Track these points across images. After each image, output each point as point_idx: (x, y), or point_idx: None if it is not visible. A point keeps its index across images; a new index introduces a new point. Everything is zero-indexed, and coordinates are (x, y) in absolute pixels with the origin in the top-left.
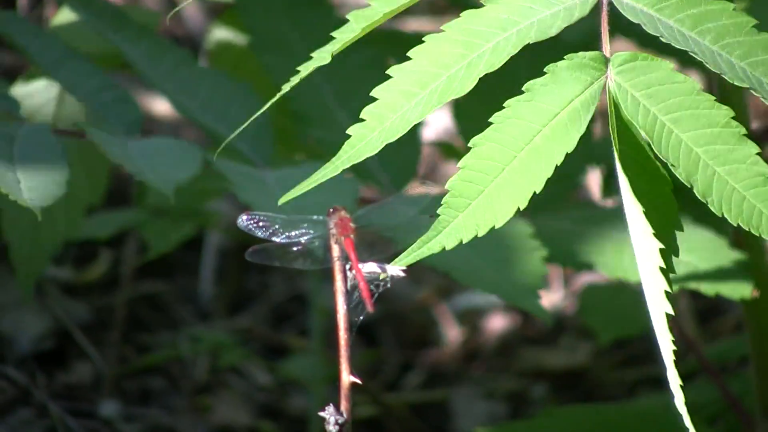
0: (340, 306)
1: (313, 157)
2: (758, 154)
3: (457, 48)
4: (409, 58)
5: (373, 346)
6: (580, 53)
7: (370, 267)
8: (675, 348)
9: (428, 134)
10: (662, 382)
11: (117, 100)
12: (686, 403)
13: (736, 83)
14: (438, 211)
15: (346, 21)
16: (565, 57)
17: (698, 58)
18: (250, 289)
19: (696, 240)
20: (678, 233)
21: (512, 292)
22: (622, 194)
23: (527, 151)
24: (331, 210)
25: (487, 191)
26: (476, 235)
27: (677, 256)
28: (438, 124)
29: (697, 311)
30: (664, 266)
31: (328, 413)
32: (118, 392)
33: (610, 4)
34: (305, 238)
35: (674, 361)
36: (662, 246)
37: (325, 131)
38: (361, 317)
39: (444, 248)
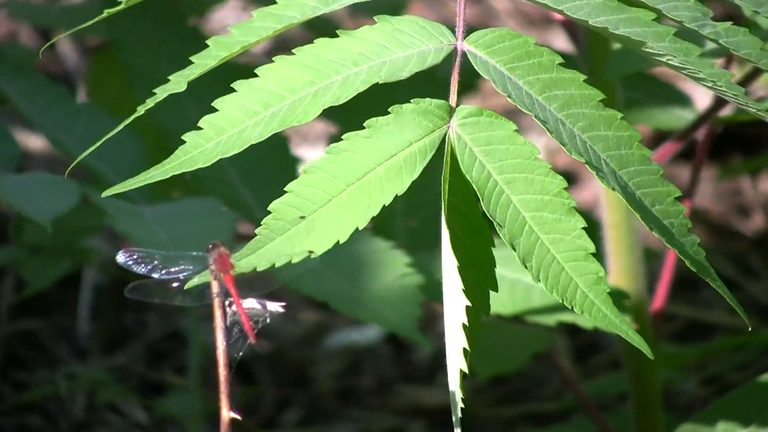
0: (220, 342)
1: (190, 193)
2: (584, 229)
3: (305, 74)
4: None
5: (250, 382)
6: (427, 99)
7: (250, 303)
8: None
9: None
10: (540, 420)
11: None
12: None
13: (573, 155)
14: (255, 231)
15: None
16: (411, 101)
17: (540, 125)
18: (128, 326)
19: None
20: None
21: (391, 320)
22: (442, 246)
23: (357, 187)
24: (211, 246)
25: (309, 219)
26: (290, 261)
27: (488, 314)
28: None
29: (574, 348)
30: (467, 323)
31: None
32: None
33: (464, 56)
34: (184, 274)
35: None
36: (469, 304)
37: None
38: (241, 353)
39: (256, 268)
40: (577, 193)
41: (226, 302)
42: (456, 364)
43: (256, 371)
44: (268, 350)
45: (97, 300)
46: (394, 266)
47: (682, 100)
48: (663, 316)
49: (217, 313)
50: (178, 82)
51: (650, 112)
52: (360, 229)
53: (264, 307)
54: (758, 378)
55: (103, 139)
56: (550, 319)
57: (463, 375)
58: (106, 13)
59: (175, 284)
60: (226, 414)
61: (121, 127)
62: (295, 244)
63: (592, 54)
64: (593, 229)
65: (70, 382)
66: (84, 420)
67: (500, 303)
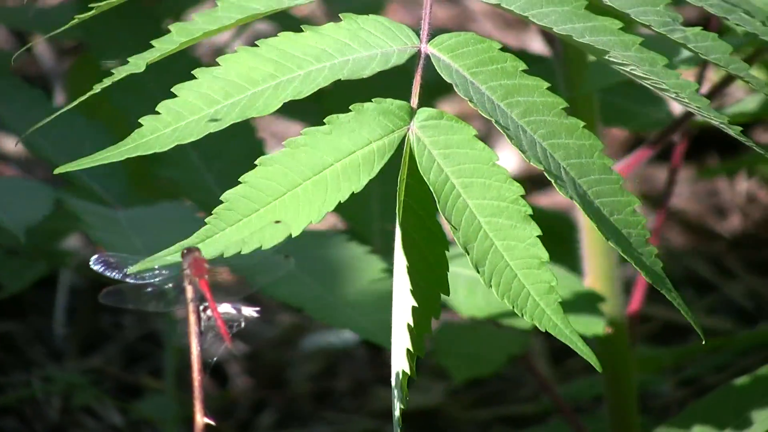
0: (194, 347)
1: (166, 197)
2: (539, 237)
3: (267, 67)
4: None
5: (225, 385)
6: (389, 99)
7: (225, 308)
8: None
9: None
10: (516, 422)
11: None
12: None
13: (532, 163)
14: (206, 220)
15: (196, 60)
16: (373, 100)
17: (501, 130)
18: (103, 328)
19: None
20: None
21: (366, 328)
22: (395, 245)
23: (313, 182)
24: (185, 251)
25: (262, 211)
26: (240, 252)
27: (437, 317)
28: None
29: (550, 350)
30: (412, 325)
31: None
32: None
33: (427, 58)
34: (158, 279)
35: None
36: (416, 305)
37: (179, 171)
38: (215, 358)
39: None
40: (555, 194)
41: (201, 307)
42: (399, 364)
43: (231, 373)
44: (244, 352)
45: (73, 302)
46: (370, 272)
47: (659, 102)
48: (639, 318)
49: (192, 318)
50: (136, 64)
51: (627, 114)
52: (315, 222)
53: (239, 311)
54: (734, 381)
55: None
56: (525, 323)
57: (406, 376)
58: (77, 19)
59: (149, 289)
60: (200, 419)
61: (70, 106)
62: (245, 235)
63: (570, 58)
64: (569, 231)
65: (46, 385)
66: (60, 423)
67: (475, 306)
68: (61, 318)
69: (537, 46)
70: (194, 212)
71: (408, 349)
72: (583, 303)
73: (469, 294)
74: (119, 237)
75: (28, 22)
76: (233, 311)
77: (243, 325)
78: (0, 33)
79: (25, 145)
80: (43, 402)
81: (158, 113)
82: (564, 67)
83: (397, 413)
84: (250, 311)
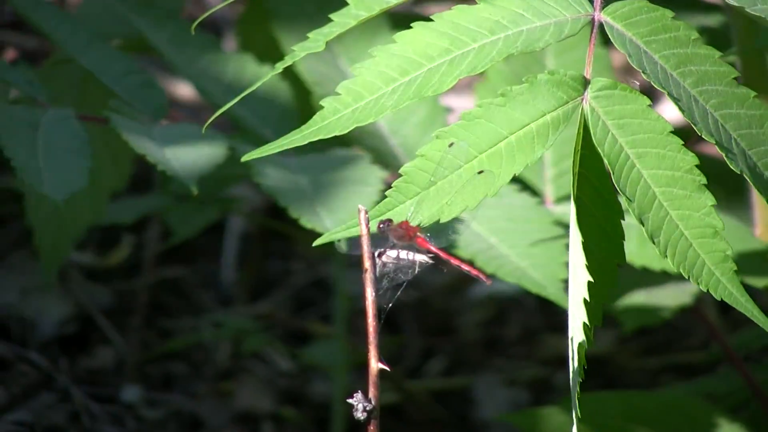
0: (369, 293)
1: (338, 144)
2: (713, 206)
3: (443, 41)
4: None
5: (395, 332)
6: (562, 71)
7: (399, 254)
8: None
9: (453, 121)
10: (685, 370)
11: (142, 86)
12: (709, 392)
13: (704, 136)
14: (386, 193)
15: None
16: (546, 71)
17: (673, 102)
18: (272, 274)
19: None
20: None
21: (534, 281)
22: (570, 219)
23: (488, 155)
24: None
25: (439, 185)
26: (419, 224)
27: (615, 287)
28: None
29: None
30: (588, 299)
31: (356, 400)
32: (141, 377)
33: (601, 27)
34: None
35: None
36: (591, 280)
37: None
38: (390, 305)
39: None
40: None
41: (376, 253)
42: (577, 338)
43: (401, 320)
44: (413, 300)
45: (243, 248)
46: (540, 223)
47: None
48: None
49: (367, 264)
50: (316, 41)
51: None
52: (490, 197)
53: (412, 258)
54: None
55: (248, 91)
56: None
57: (583, 348)
58: None
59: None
60: (375, 365)
61: (266, 78)
62: (425, 208)
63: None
64: (739, 180)
65: (216, 331)
66: (229, 368)
67: (647, 256)
68: (230, 264)
69: None
70: (366, 161)
71: (584, 323)
72: (753, 254)
73: (640, 245)
74: (290, 185)
75: None
76: (406, 257)
77: (416, 271)
78: None
79: (198, 91)
80: (213, 347)
81: (338, 94)
82: (738, 21)
83: (576, 388)
84: (423, 257)
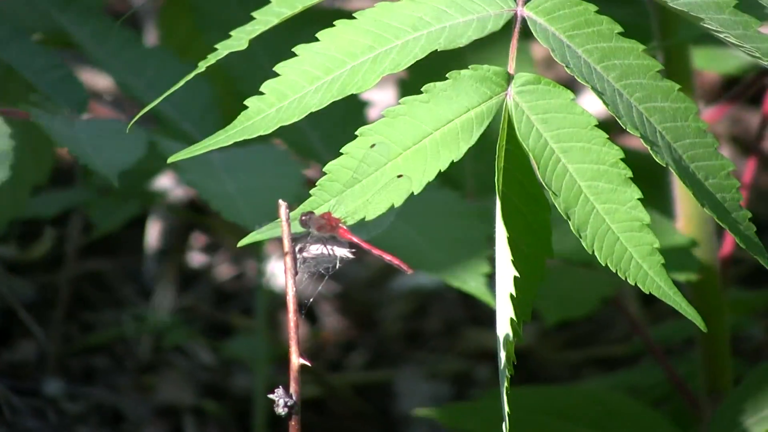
0: (290, 287)
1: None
2: (639, 200)
3: (366, 39)
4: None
5: (316, 325)
6: (485, 66)
7: (319, 249)
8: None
9: (375, 115)
10: (607, 364)
11: (63, 80)
12: (631, 385)
13: (628, 129)
14: (310, 191)
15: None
16: (469, 67)
17: (597, 96)
18: (195, 267)
19: None
20: None
21: (455, 275)
22: (495, 213)
23: (413, 151)
24: (305, 216)
25: (364, 182)
26: (345, 223)
27: (543, 282)
28: (384, 104)
29: (641, 292)
30: (514, 294)
31: (278, 395)
32: (62, 371)
33: (524, 22)
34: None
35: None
36: (517, 275)
37: None
38: (311, 299)
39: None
40: None
41: (296, 248)
42: (503, 332)
43: (322, 313)
44: (335, 292)
45: (165, 241)
46: (462, 217)
47: None
48: (731, 260)
49: (288, 259)
50: (239, 38)
51: (720, 57)
52: (416, 193)
53: (333, 252)
54: None
55: (172, 90)
56: None
57: (512, 343)
58: None
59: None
60: (296, 360)
61: (189, 77)
62: (349, 206)
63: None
64: (661, 173)
65: (137, 324)
66: (150, 361)
67: (568, 249)
68: (152, 257)
69: None
70: (287, 155)
71: (511, 318)
72: (675, 248)
73: (561, 237)
74: (213, 180)
75: None
76: (328, 252)
77: (338, 265)
78: None
79: (119, 86)
80: (134, 341)
81: (262, 93)
82: (659, 13)
83: (505, 383)
84: (344, 252)
